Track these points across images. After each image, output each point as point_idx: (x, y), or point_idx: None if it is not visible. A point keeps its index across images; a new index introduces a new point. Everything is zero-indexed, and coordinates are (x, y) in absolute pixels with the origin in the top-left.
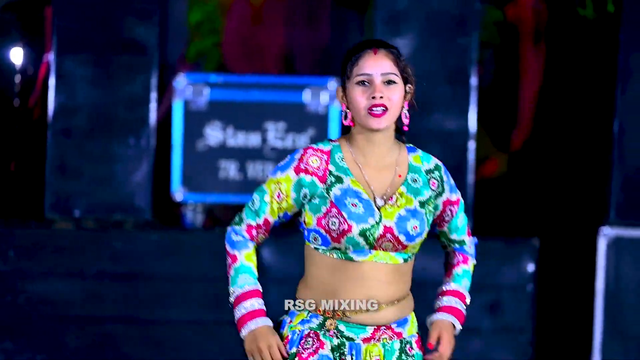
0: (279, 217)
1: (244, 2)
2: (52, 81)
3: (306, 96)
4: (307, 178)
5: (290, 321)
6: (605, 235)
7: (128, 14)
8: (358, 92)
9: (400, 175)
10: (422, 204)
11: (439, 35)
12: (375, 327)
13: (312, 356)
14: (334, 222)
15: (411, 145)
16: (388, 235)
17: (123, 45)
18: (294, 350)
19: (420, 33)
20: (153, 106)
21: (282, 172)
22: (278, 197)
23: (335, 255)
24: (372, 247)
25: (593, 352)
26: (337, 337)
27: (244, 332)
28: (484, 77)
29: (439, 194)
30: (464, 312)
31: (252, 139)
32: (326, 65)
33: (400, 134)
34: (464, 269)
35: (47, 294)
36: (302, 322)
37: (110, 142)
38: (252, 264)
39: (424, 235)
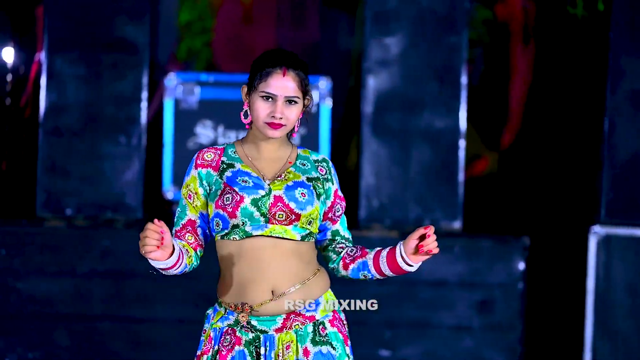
0: (200, 218)
1: (234, 1)
2: (43, 80)
3: None
4: (204, 171)
5: (212, 318)
6: (596, 233)
7: (119, 13)
8: (261, 105)
9: (290, 162)
10: (310, 179)
11: (428, 34)
12: (285, 317)
13: (230, 353)
14: (228, 197)
15: (302, 146)
16: (279, 204)
17: (114, 44)
18: (216, 347)
19: (410, 32)
20: (144, 105)
21: (187, 175)
22: (189, 197)
23: (237, 237)
24: (267, 220)
25: (584, 350)
26: (252, 332)
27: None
28: (473, 75)
29: (328, 180)
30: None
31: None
32: (316, 64)
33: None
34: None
35: (38, 292)
36: (221, 319)
37: (101, 140)
38: (177, 242)
39: (315, 209)
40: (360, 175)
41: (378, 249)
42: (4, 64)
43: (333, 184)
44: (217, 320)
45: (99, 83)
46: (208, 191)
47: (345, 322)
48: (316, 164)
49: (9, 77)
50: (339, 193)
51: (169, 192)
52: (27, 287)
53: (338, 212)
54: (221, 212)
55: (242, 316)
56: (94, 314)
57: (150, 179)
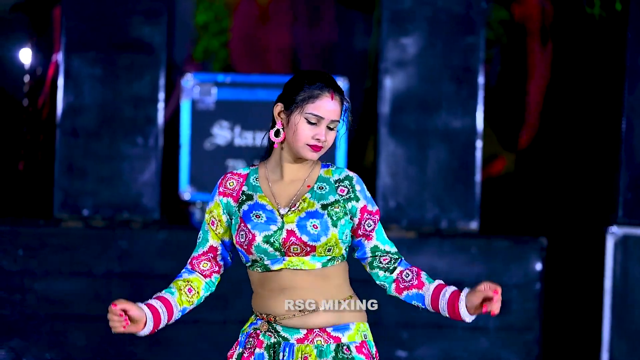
0: (222, 245)
1: (250, 2)
2: (60, 81)
3: None
4: (224, 200)
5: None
6: (613, 234)
7: (136, 14)
8: (305, 126)
9: (308, 186)
10: (325, 206)
11: (445, 34)
12: (308, 330)
13: (252, 356)
14: (242, 234)
15: (328, 163)
16: (292, 238)
17: (131, 45)
18: (240, 350)
19: (427, 32)
20: (161, 106)
21: (211, 201)
22: (212, 224)
23: (258, 269)
24: (283, 253)
25: (601, 350)
26: (274, 337)
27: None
28: (490, 76)
29: (350, 199)
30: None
31: (260, 138)
32: (332, 65)
33: None
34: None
35: (55, 293)
36: (250, 324)
37: (118, 141)
38: (174, 284)
39: (331, 237)
40: (377, 175)
41: (436, 283)
42: (22, 65)
43: (358, 201)
44: (247, 326)
45: (116, 84)
46: (230, 221)
47: (375, 358)
48: (336, 185)
49: (27, 78)
50: (369, 208)
51: (185, 192)
52: (44, 287)
53: (369, 227)
54: (239, 247)
55: (264, 325)
56: None
57: (167, 180)
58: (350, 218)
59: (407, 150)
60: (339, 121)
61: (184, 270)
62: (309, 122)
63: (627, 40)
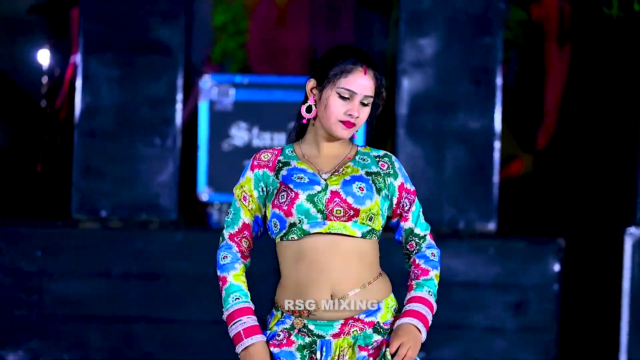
0: (254, 221)
1: (268, 3)
2: (78, 82)
3: None
4: (260, 171)
5: (269, 322)
6: (631, 234)
7: (153, 15)
8: (337, 102)
9: (349, 158)
10: (368, 174)
11: (463, 35)
12: (343, 322)
13: (274, 347)
14: (283, 195)
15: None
16: (336, 199)
17: (149, 46)
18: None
19: (444, 33)
20: (179, 107)
21: (242, 176)
22: (244, 199)
23: (295, 236)
24: (325, 217)
25: (619, 352)
26: (308, 336)
27: (239, 349)
28: (508, 76)
29: (390, 174)
30: (428, 315)
31: (277, 139)
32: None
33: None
34: (424, 278)
35: (73, 294)
36: (278, 323)
37: (136, 142)
38: (242, 283)
39: (375, 203)
40: None
41: (408, 296)
42: (40, 66)
43: (396, 177)
44: (274, 324)
45: (133, 85)
46: (265, 193)
47: None
48: (377, 159)
49: (45, 80)
50: (407, 186)
51: (203, 193)
52: (62, 288)
53: (406, 206)
54: (277, 211)
55: (298, 322)
56: (128, 316)
57: (185, 181)
58: (388, 196)
59: (425, 151)
60: (372, 97)
61: (230, 255)
62: (342, 97)
63: None
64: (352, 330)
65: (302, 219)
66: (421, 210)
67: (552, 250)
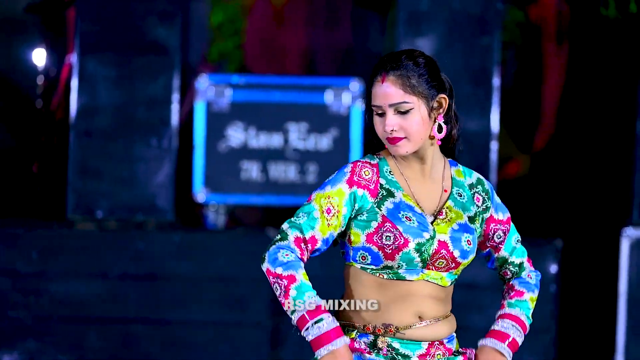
0: (325, 239)
1: (265, 3)
2: (74, 82)
3: (328, 97)
4: (359, 192)
5: None
6: (628, 235)
7: (150, 15)
8: (376, 120)
9: (446, 190)
10: (471, 219)
11: (461, 35)
12: (430, 343)
13: (358, 352)
14: (389, 236)
15: (452, 159)
16: (443, 251)
17: (145, 46)
18: None
19: (442, 34)
20: (175, 107)
21: (332, 186)
22: (328, 212)
23: (385, 276)
24: (425, 265)
25: (616, 352)
26: (392, 354)
27: (323, 352)
28: (506, 77)
29: (485, 211)
30: (515, 334)
31: (274, 140)
32: (348, 66)
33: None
34: (517, 299)
35: (69, 295)
36: (356, 339)
37: (132, 143)
38: (310, 283)
39: (476, 253)
40: None
41: (499, 313)
42: (35, 66)
43: (488, 211)
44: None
45: (130, 85)
46: (355, 215)
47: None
48: (472, 192)
49: (40, 79)
50: (497, 217)
51: (200, 194)
52: (59, 289)
53: (499, 238)
54: (375, 249)
55: (383, 341)
56: (126, 317)
57: (182, 182)
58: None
59: None
60: (406, 102)
61: (292, 253)
62: (378, 115)
63: None
64: (437, 353)
65: (402, 265)
66: (517, 236)
67: (550, 251)
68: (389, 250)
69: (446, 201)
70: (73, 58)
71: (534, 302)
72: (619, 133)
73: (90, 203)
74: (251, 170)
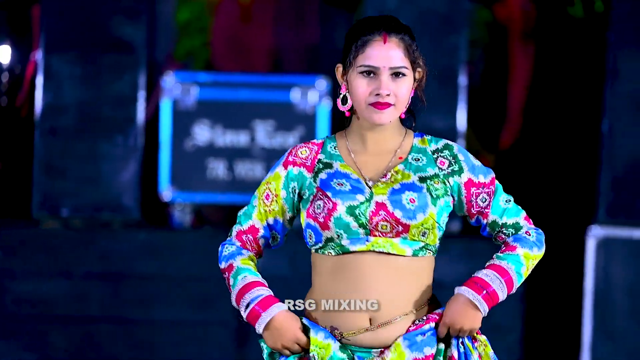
0: (266, 226)
1: (232, 0)
2: (39, 80)
3: (294, 95)
4: (295, 170)
5: None
6: (594, 234)
7: (116, 13)
8: (361, 83)
9: (400, 158)
10: (423, 179)
11: (428, 34)
12: (381, 350)
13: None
14: (319, 204)
15: (422, 132)
16: (382, 212)
17: (111, 44)
18: None
19: None
20: (141, 105)
21: (271, 171)
22: (267, 198)
23: (332, 252)
24: (368, 232)
25: (582, 351)
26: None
27: (259, 328)
28: (473, 76)
29: (453, 173)
30: (498, 286)
31: (241, 138)
32: (315, 64)
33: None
34: (507, 253)
35: (34, 294)
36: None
37: (98, 141)
38: (251, 266)
39: (429, 216)
40: None
41: (486, 265)
42: (0, 63)
43: (461, 175)
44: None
45: (95, 83)
46: (297, 196)
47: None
48: (435, 156)
49: (5, 77)
50: (477, 180)
51: (165, 192)
52: (24, 288)
53: (484, 202)
54: (312, 222)
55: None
56: (91, 316)
57: (147, 180)
58: (453, 199)
59: None
60: (406, 68)
61: (233, 246)
62: (365, 76)
63: (608, 40)
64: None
65: (341, 234)
66: (506, 196)
67: None
68: (322, 218)
69: (397, 165)
70: (38, 55)
71: (531, 261)
72: (585, 132)
73: (56, 201)
74: (217, 168)
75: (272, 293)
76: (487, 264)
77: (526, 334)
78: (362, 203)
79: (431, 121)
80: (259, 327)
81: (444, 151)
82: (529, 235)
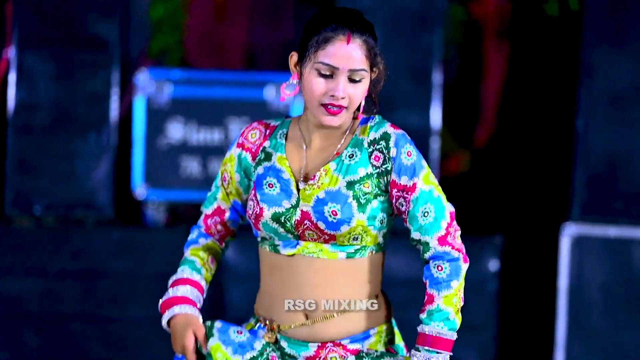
0: (231, 208)
1: None
2: (12, 77)
3: (268, 93)
4: (243, 154)
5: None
6: (569, 232)
7: (89, 10)
8: (317, 81)
9: (337, 153)
10: (351, 184)
11: (402, 32)
12: (319, 345)
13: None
14: (251, 205)
15: (372, 116)
16: (306, 222)
17: (84, 41)
18: None
19: (384, 30)
20: (114, 102)
21: (228, 151)
22: (224, 180)
23: (268, 248)
24: (297, 236)
25: (556, 350)
26: (279, 357)
27: (163, 323)
28: (447, 74)
29: (385, 172)
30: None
31: (215, 136)
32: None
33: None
34: (429, 309)
35: (6, 292)
36: (250, 332)
37: (71, 138)
38: (197, 258)
39: (357, 224)
40: None
41: (418, 332)
42: None
43: (387, 176)
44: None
45: (69, 80)
46: (246, 181)
47: None
48: (370, 150)
49: None
50: (398, 181)
51: (139, 190)
52: None
53: (402, 206)
54: (248, 218)
55: (269, 336)
56: (64, 314)
57: (121, 178)
58: (384, 202)
59: None
60: (365, 71)
61: (197, 231)
62: (322, 75)
63: (582, 38)
64: (330, 355)
65: (272, 237)
66: (429, 206)
67: (490, 247)
68: (252, 219)
69: (327, 164)
70: (11, 52)
71: (453, 297)
72: (560, 130)
73: (28, 199)
74: (191, 166)
75: (195, 293)
76: (419, 332)
77: (500, 333)
78: (287, 210)
79: (405, 119)
80: (163, 325)
81: (381, 142)
82: (440, 270)
